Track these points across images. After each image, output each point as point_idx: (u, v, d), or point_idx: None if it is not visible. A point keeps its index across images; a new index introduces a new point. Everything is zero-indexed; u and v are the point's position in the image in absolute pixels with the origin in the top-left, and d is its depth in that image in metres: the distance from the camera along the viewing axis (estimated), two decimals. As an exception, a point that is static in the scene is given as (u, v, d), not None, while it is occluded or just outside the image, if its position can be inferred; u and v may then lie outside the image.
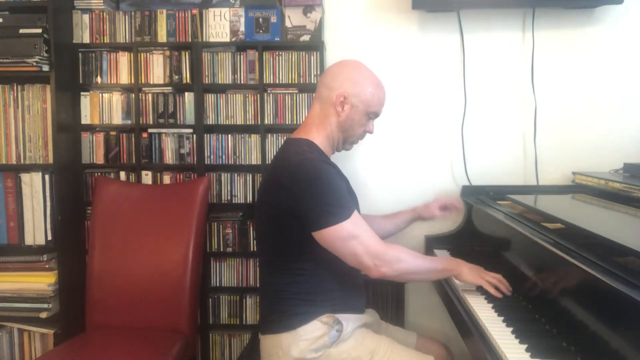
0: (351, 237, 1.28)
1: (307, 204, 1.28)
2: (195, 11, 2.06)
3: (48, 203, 1.97)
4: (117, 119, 2.10)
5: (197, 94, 2.07)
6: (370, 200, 2.10)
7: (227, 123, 2.08)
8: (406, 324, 2.09)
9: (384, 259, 1.30)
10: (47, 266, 1.97)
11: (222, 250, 2.09)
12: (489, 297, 1.35)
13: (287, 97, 2.05)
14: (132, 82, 2.09)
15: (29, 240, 1.99)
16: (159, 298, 1.89)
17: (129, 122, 2.10)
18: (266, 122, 2.06)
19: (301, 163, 1.32)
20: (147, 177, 2.11)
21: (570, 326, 1.06)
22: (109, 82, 2.10)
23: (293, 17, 2.05)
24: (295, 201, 1.30)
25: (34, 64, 1.88)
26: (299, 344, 1.31)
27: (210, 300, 2.10)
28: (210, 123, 2.08)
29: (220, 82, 2.07)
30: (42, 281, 1.97)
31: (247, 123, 2.07)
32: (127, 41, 2.08)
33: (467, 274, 1.38)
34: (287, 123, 2.06)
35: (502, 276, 1.39)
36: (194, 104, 2.07)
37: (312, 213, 1.28)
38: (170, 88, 2.09)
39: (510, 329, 1.15)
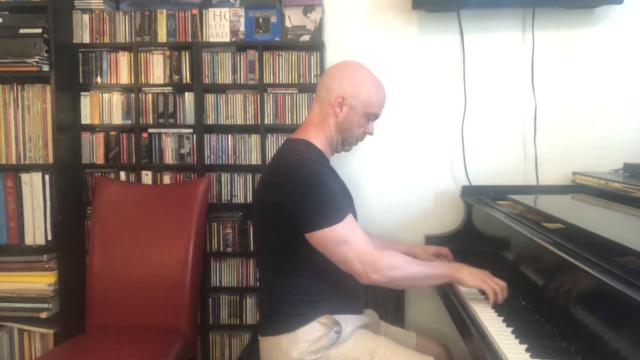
0: (342, 242, 1.26)
1: (301, 204, 1.28)
2: (195, 11, 2.06)
3: (48, 203, 1.97)
4: (117, 119, 2.10)
5: (197, 94, 2.07)
6: (370, 201, 2.11)
7: (227, 123, 2.08)
8: (406, 324, 2.09)
9: (375, 266, 1.26)
10: (47, 266, 1.97)
11: (222, 250, 2.09)
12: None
13: (287, 97, 2.05)
14: (132, 82, 2.09)
15: (29, 240, 1.99)
16: (159, 298, 1.89)
17: (129, 122, 2.10)
18: (266, 122, 2.06)
19: (296, 163, 1.31)
20: (147, 177, 2.11)
21: (570, 326, 1.06)
22: (109, 82, 2.10)
23: (293, 17, 2.05)
24: (289, 201, 1.29)
25: (34, 64, 1.88)
26: (298, 346, 1.31)
27: (210, 300, 2.10)
28: (210, 123, 2.08)
29: (220, 82, 2.07)
30: (42, 281, 1.97)
31: (247, 123, 2.07)
32: (127, 41, 2.08)
33: (468, 277, 1.33)
34: (287, 123, 2.06)
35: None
36: (194, 104, 2.07)
37: (305, 214, 1.27)
38: (170, 88, 2.09)
39: (510, 329, 1.15)
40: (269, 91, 2.06)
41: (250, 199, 2.08)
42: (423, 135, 2.11)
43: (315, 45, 2.04)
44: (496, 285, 1.31)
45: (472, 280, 1.33)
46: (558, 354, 1.02)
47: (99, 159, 2.11)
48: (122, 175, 2.12)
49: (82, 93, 2.10)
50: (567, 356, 1.01)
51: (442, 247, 1.80)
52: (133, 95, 2.09)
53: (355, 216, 1.47)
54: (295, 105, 2.05)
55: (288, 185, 1.30)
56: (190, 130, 2.09)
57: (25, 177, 1.98)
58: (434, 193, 2.12)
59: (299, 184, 1.29)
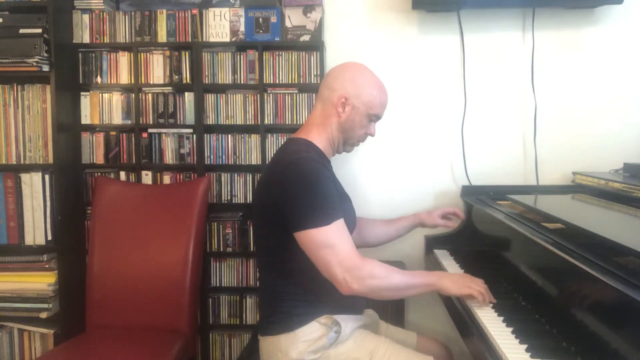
0: (326, 246, 1.23)
1: (293, 202, 1.27)
2: (195, 11, 2.06)
3: (48, 203, 1.97)
4: (117, 119, 2.10)
5: (197, 94, 2.07)
6: (370, 201, 2.11)
7: (227, 123, 2.08)
8: (406, 324, 2.09)
9: (356, 275, 1.23)
10: (47, 266, 1.97)
11: (222, 250, 2.09)
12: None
13: (287, 97, 2.05)
14: (132, 82, 2.09)
15: (29, 240, 1.99)
16: (159, 298, 1.89)
17: (129, 122, 2.11)
18: (266, 122, 2.06)
19: (295, 162, 1.31)
20: (147, 177, 2.11)
21: (570, 326, 1.06)
22: (109, 82, 2.10)
23: (293, 17, 2.05)
24: (284, 199, 1.29)
25: (34, 64, 1.88)
26: (298, 346, 1.31)
27: (210, 300, 2.10)
28: (210, 123, 2.08)
29: (220, 82, 2.07)
30: (42, 281, 1.97)
31: (247, 123, 2.07)
32: (127, 41, 2.08)
33: (451, 286, 1.31)
34: (287, 123, 2.06)
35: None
36: (194, 104, 2.07)
37: (296, 212, 1.26)
38: (170, 88, 2.09)
39: (510, 329, 1.15)
40: (269, 91, 2.06)
41: (250, 199, 2.08)
42: (423, 135, 2.11)
43: (315, 45, 2.04)
44: (480, 287, 1.31)
45: (456, 288, 1.32)
46: (558, 354, 1.02)
47: (99, 159, 2.11)
48: (122, 175, 2.12)
49: (82, 93, 2.10)
50: (567, 356, 1.01)
51: (449, 207, 1.80)
52: (133, 95, 2.09)
53: (353, 218, 1.47)
54: (295, 105, 2.05)
55: (284, 183, 1.29)
56: (190, 130, 2.09)
57: (25, 177, 1.98)
58: (434, 193, 2.12)
59: (294, 181, 1.28)
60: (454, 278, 1.35)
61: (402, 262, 2.08)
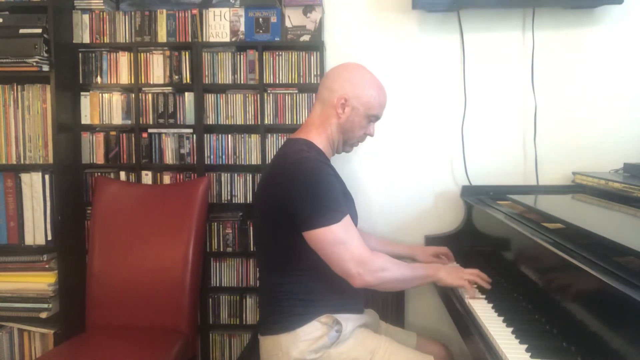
0: (339, 243, 1.27)
1: (299, 202, 1.28)
2: (195, 11, 2.06)
3: (48, 203, 1.97)
4: (117, 119, 2.10)
5: (197, 94, 2.07)
6: (370, 200, 2.11)
7: (227, 123, 2.08)
8: (406, 324, 2.09)
9: (369, 268, 1.28)
10: (47, 266, 1.97)
11: (222, 250, 2.09)
12: (489, 297, 1.36)
13: (287, 97, 2.05)
14: (132, 82, 2.09)
15: (29, 240, 1.99)
16: (159, 298, 1.89)
17: (129, 122, 2.10)
18: (266, 122, 2.06)
19: (297, 162, 1.32)
20: (147, 177, 2.11)
21: (570, 326, 1.06)
22: (109, 82, 2.10)
23: (293, 17, 2.05)
24: (289, 199, 1.29)
25: (34, 64, 1.88)
26: (299, 345, 1.31)
27: (210, 300, 2.10)
28: (210, 123, 2.08)
29: (220, 82, 2.07)
30: (42, 281, 1.97)
31: (247, 123, 2.07)
32: (127, 41, 2.08)
33: (446, 277, 1.39)
34: (287, 123, 2.06)
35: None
36: (194, 104, 2.07)
37: (304, 212, 1.27)
38: (170, 88, 2.09)
39: (510, 329, 1.15)
40: (269, 91, 2.06)
41: (250, 199, 2.08)
42: (423, 135, 2.11)
43: (315, 45, 2.04)
44: (471, 276, 1.40)
45: (450, 279, 1.40)
46: (558, 354, 1.02)
47: (99, 159, 2.11)
48: (122, 175, 2.12)
49: (82, 93, 2.10)
50: (567, 356, 1.01)
51: (441, 247, 1.81)
52: (133, 95, 2.09)
53: (355, 217, 1.48)
54: (295, 105, 2.05)
55: (288, 184, 1.30)
56: (190, 130, 2.09)
57: (25, 177, 1.97)
58: (434, 193, 2.12)
59: (299, 181, 1.29)
60: (449, 270, 1.43)
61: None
